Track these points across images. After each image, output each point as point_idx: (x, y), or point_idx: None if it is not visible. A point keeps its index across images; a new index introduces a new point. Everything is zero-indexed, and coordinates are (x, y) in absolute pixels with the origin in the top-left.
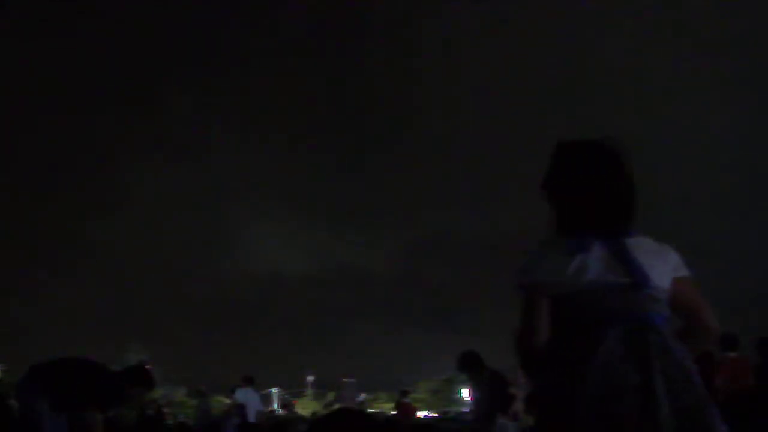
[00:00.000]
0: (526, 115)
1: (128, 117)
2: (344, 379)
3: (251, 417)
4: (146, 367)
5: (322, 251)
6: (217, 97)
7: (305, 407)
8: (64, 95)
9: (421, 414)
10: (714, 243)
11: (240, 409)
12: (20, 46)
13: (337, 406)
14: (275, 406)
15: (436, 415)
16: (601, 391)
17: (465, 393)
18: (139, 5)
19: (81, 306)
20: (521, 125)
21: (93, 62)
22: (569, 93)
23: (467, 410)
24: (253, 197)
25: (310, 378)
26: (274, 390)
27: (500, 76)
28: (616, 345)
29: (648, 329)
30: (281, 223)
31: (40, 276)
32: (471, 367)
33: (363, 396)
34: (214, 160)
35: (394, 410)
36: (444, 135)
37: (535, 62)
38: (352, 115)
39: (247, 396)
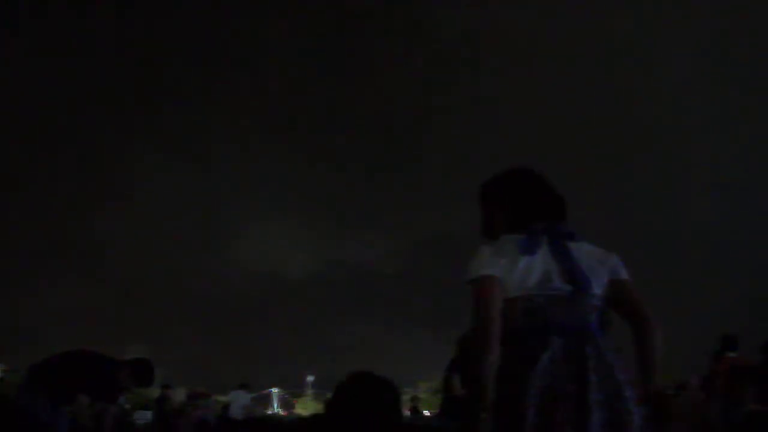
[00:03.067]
0: (527, 115)
1: (129, 115)
2: None
3: (237, 414)
4: (148, 361)
5: (322, 251)
6: (219, 96)
7: (305, 407)
8: (64, 94)
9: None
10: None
11: (224, 407)
12: (21, 45)
13: None
14: (275, 406)
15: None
16: (542, 399)
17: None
18: (143, 4)
19: (81, 306)
20: (522, 125)
21: (95, 60)
22: (570, 93)
23: None
24: (253, 197)
25: (310, 378)
26: (274, 390)
27: (500, 78)
28: (557, 354)
29: (586, 341)
30: (281, 223)
31: (40, 276)
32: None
33: None
34: (215, 160)
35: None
36: (445, 135)
37: (537, 64)
38: (354, 114)
39: (235, 396)
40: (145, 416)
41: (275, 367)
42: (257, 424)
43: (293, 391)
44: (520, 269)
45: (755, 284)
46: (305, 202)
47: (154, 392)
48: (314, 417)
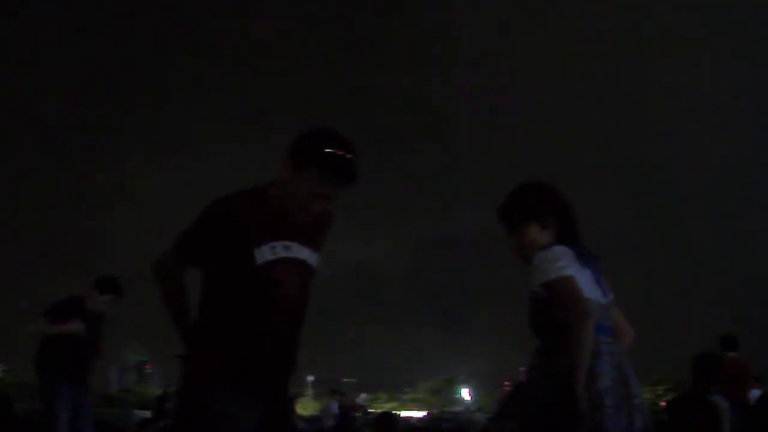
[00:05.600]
0: (528, 116)
1: (133, 114)
2: (344, 379)
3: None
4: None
5: (323, 251)
6: (221, 94)
7: (305, 407)
8: (70, 93)
9: (420, 414)
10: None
11: None
12: (28, 44)
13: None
14: None
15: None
16: (615, 401)
17: (465, 393)
18: (146, 5)
19: None
20: (522, 126)
21: (98, 61)
22: (572, 93)
23: (462, 409)
24: None
25: (310, 378)
26: None
27: (500, 79)
28: (614, 353)
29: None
30: None
31: (41, 274)
32: None
33: (363, 396)
34: (215, 159)
35: (394, 410)
36: (447, 135)
37: (540, 66)
38: (356, 114)
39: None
40: (144, 415)
41: None
42: None
43: (293, 390)
44: (582, 277)
45: (756, 285)
46: None
47: (155, 391)
48: None
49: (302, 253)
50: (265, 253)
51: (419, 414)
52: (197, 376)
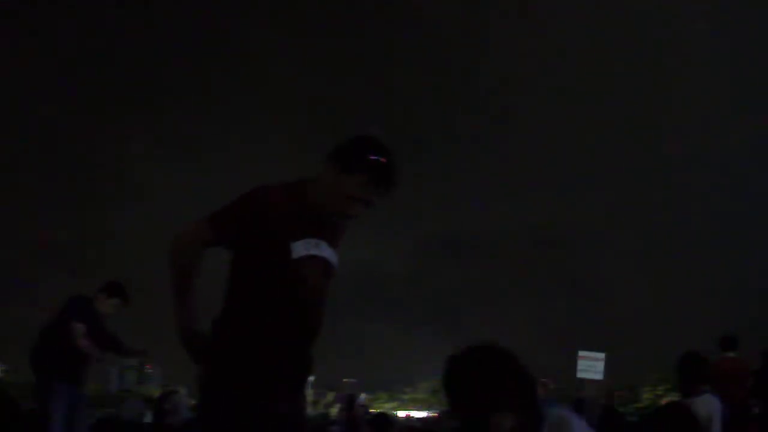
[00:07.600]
0: (529, 117)
1: (131, 115)
2: (344, 379)
3: None
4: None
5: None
6: (223, 95)
7: None
8: (76, 96)
9: (420, 414)
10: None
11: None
12: (34, 47)
13: (337, 406)
14: None
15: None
16: None
17: None
18: (148, 8)
19: None
20: (523, 126)
21: (103, 64)
22: (571, 93)
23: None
24: None
25: (311, 378)
26: None
27: (501, 79)
28: None
29: None
30: None
31: (40, 275)
32: None
33: (363, 396)
34: (216, 159)
35: (394, 410)
36: (448, 135)
37: (540, 66)
38: (356, 114)
39: None
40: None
41: None
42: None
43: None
44: None
45: (756, 285)
46: None
47: (155, 391)
48: None
49: (328, 252)
50: (299, 248)
51: (419, 414)
52: (221, 376)
